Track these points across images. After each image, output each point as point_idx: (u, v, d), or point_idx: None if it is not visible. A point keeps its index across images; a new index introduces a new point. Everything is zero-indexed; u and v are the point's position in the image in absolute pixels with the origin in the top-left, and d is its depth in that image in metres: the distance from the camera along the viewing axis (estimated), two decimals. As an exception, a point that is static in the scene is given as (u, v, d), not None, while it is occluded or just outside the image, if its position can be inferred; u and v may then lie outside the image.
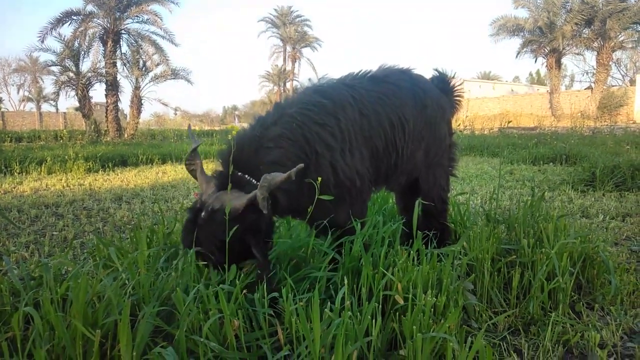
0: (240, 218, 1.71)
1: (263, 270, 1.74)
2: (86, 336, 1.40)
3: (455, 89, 2.78)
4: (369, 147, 2.16)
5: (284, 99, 2.17)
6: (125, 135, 19.63)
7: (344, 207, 2.07)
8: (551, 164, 7.80)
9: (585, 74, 28.71)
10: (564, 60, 28.97)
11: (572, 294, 2.18)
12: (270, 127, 1.95)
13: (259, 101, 54.48)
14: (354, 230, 2.02)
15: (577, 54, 28.30)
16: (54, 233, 3.68)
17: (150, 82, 20.69)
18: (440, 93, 2.62)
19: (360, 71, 2.36)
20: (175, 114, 43.50)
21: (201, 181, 1.90)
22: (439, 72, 2.78)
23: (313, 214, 1.97)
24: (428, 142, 2.44)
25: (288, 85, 45.38)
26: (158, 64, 20.35)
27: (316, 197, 1.88)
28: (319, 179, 1.87)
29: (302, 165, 1.74)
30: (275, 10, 44.46)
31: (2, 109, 42.08)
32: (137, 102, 20.47)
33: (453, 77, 2.76)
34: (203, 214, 1.75)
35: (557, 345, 1.79)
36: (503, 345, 1.80)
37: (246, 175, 1.83)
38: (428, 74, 2.77)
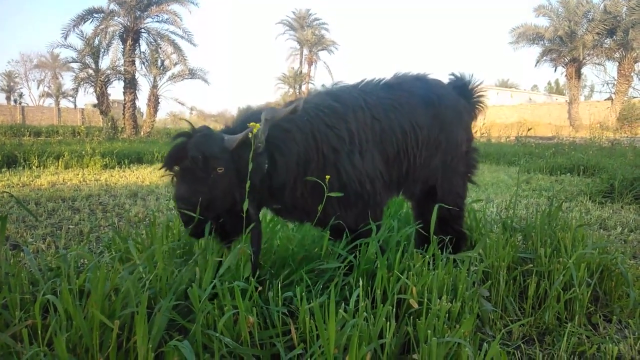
0: (234, 152, 1.73)
1: (255, 227, 1.78)
2: (103, 327, 1.42)
3: (475, 92, 2.70)
4: (381, 151, 2.16)
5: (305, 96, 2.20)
6: (142, 133, 19.86)
7: (353, 210, 2.07)
8: (568, 174, 7.69)
9: (605, 84, 28.18)
10: (584, 70, 28.64)
11: (589, 305, 2.14)
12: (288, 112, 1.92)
13: (274, 103, 54.71)
14: (369, 233, 2.02)
15: (598, 64, 27.85)
16: (70, 226, 3.73)
17: (167, 81, 20.94)
18: (458, 98, 2.56)
19: (373, 79, 2.36)
20: (191, 113, 43.83)
21: None
22: (455, 76, 2.71)
23: (319, 215, 2.00)
24: (445, 149, 2.40)
25: (304, 87, 45.51)
26: (176, 64, 20.59)
27: (324, 199, 1.92)
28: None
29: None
30: (294, 13, 44.70)
31: (22, 104, 42.92)
32: (154, 101, 20.71)
33: (471, 80, 2.69)
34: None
35: (572, 356, 1.76)
36: (517, 354, 1.78)
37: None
38: (446, 79, 2.72)
